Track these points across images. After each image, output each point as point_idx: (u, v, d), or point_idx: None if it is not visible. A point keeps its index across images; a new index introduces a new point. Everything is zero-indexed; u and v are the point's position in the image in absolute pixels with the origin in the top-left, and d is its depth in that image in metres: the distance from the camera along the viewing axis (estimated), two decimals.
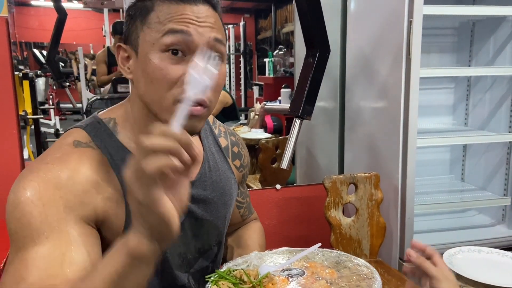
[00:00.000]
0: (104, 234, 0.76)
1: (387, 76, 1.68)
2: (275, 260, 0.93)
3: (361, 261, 0.94)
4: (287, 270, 0.87)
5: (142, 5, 0.76)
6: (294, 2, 1.05)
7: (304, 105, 1.02)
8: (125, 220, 0.77)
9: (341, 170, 2.16)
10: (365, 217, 1.64)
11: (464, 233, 1.75)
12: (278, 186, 1.97)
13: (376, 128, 1.79)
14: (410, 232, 1.62)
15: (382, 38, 1.71)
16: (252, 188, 2.54)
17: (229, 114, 3.84)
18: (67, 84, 3.41)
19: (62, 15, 2.98)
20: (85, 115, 1.04)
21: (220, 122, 1.04)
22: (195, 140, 0.92)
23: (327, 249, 0.98)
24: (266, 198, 1.98)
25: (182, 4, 0.74)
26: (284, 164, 1.05)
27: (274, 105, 2.73)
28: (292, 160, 2.67)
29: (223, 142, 1.00)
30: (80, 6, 7.13)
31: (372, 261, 1.62)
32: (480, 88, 1.99)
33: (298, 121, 1.03)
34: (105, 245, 0.76)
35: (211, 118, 1.01)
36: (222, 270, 0.87)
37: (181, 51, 0.73)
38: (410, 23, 1.50)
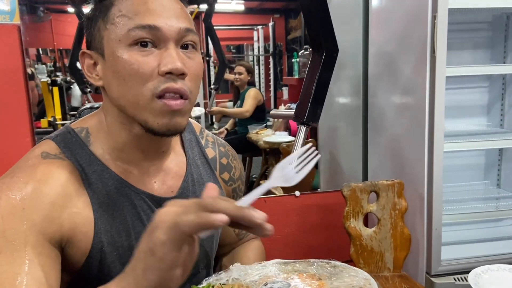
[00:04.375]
0: (69, 253, 0.70)
1: (411, 75, 1.56)
2: (262, 273, 0.85)
3: (360, 272, 0.85)
4: (270, 283, 0.79)
5: (100, 5, 0.71)
6: None
7: (309, 110, 0.93)
8: (92, 239, 0.71)
9: (365, 175, 2.04)
10: (388, 228, 1.52)
11: (498, 245, 1.61)
12: (297, 193, 1.88)
13: (400, 131, 1.68)
14: (438, 244, 1.50)
15: (405, 34, 1.59)
16: (273, 194, 2.47)
17: (257, 114, 3.78)
18: (88, 90, 3.44)
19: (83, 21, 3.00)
20: None
21: (209, 132, 0.96)
22: (177, 151, 0.85)
23: (323, 260, 0.89)
24: (285, 205, 1.90)
25: None
26: None
27: (280, 110, 2.65)
28: (316, 164, 2.57)
29: (210, 153, 0.91)
30: None
31: (396, 276, 1.51)
32: None
33: (303, 128, 0.94)
34: (69, 264, 0.70)
35: (198, 127, 0.93)
36: (201, 286, 0.80)
37: (151, 43, 0.68)
38: (434, 18, 1.38)
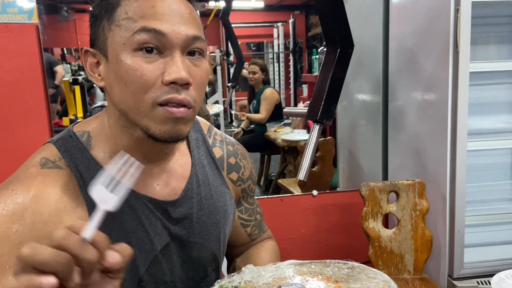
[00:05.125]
0: None
1: (433, 71, 1.51)
2: (275, 275, 0.82)
3: (379, 274, 0.81)
4: (284, 285, 0.76)
5: (106, 3, 0.68)
6: None
7: (323, 108, 0.90)
8: None
9: (385, 175, 1.99)
10: (408, 229, 1.48)
11: None
12: (315, 192, 1.85)
13: (422, 129, 1.62)
14: (460, 246, 1.44)
15: (427, 29, 1.54)
16: (291, 193, 2.44)
17: (275, 113, 3.76)
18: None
19: None
20: None
21: (218, 130, 0.93)
22: (182, 151, 0.83)
23: (340, 261, 0.85)
24: (302, 205, 1.87)
25: None
26: (301, 175, 0.93)
27: (293, 108, 2.60)
28: (334, 162, 2.54)
29: (217, 152, 0.88)
30: None
31: (416, 278, 1.46)
32: None
33: (317, 127, 0.91)
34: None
35: (206, 126, 0.90)
36: None
37: (156, 49, 0.65)
38: (457, 11, 1.33)
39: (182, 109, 0.66)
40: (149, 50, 0.65)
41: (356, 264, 0.81)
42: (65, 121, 3.85)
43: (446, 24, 1.38)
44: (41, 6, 1.76)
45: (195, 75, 0.67)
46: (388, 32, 1.85)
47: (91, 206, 0.68)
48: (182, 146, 0.83)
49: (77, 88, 3.92)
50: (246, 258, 0.97)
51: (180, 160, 0.81)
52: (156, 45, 0.65)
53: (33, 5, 1.63)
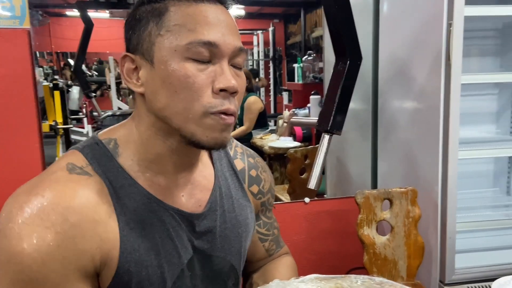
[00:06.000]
0: (95, 284, 0.67)
1: (425, 83, 1.56)
2: None
3: None
4: None
5: (151, 8, 0.68)
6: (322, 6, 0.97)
7: (333, 119, 0.92)
8: (118, 259, 0.67)
9: (374, 182, 2.03)
10: (401, 236, 1.51)
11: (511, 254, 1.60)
12: (306, 199, 1.87)
13: (412, 137, 1.67)
14: (452, 252, 1.49)
15: (418, 41, 1.59)
16: (281, 200, 2.45)
17: (259, 120, 3.77)
18: (93, 94, 3.41)
19: (88, 25, 2.99)
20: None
21: (238, 142, 0.94)
22: (205, 162, 0.83)
23: (367, 276, 0.85)
24: (294, 212, 1.89)
25: (201, 2, 0.68)
26: (312, 184, 0.95)
27: (302, 118, 2.63)
28: (323, 170, 2.57)
29: (239, 164, 0.88)
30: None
31: (409, 284, 1.50)
32: None
33: (327, 137, 0.93)
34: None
35: None
36: None
37: (206, 58, 0.67)
38: (449, 25, 1.38)
39: (231, 117, 0.68)
40: (200, 60, 0.66)
41: (384, 280, 0.80)
42: (45, 127, 3.77)
43: (439, 37, 1.42)
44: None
45: (238, 84, 0.69)
46: (378, 43, 1.90)
47: (120, 216, 0.68)
48: (205, 158, 0.83)
49: (56, 94, 3.84)
50: (264, 274, 0.96)
51: (204, 172, 0.81)
52: (207, 55, 0.66)
53: (25, 10, 1.60)
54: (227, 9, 0.72)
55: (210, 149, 0.70)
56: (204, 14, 0.67)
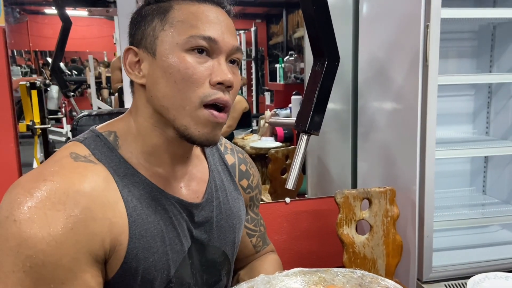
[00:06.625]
0: (106, 263, 0.68)
1: (403, 83, 1.58)
2: (287, 284, 0.82)
3: (390, 282, 0.83)
4: None
5: (156, 6, 0.73)
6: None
7: (311, 119, 0.93)
8: (127, 245, 0.68)
9: (354, 182, 2.05)
10: (380, 235, 1.53)
11: (486, 251, 1.63)
12: (287, 200, 1.88)
13: (391, 138, 1.69)
14: (429, 250, 1.51)
15: (396, 43, 1.61)
16: (262, 201, 2.45)
17: (243, 120, 3.76)
18: (72, 94, 3.36)
19: (66, 23, 2.94)
20: (71, 134, 0.97)
21: (226, 140, 0.97)
22: (199, 157, 0.86)
23: (348, 269, 0.86)
24: (275, 212, 1.89)
25: (204, 3, 0.72)
26: (290, 185, 0.95)
27: (280, 118, 2.64)
28: (303, 169, 2.58)
29: (229, 159, 0.92)
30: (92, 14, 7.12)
31: None
32: (502, 95, 1.87)
33: (305, 137, 0.94)
34: (104, 273, 0.68)
35: None
36: None
37: (205, 51, 0.71)
38: (427, 27, 1.40)
39: (222, 114, 0.71)
40: (200, 51, 0.70)
41: (365, 273, 0.82)
42: (21, 127, 3.69)
43: (416, 39, 1.44)
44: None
45: (234, 80, 0.72)
46: (358, 44, 1.92)
47: (127, 202, 0.69)
48: (198, 153, 0.86)
49: (34, 93, 3.77)
50: (250, 270, 0.98)
51: (199, 166, 0.84)
52: (207, 49, 0.70)
53: (0, 7, 1.57)
54: (228, 13, 0.76)
55: (201, 145, 0.72)
56: (206, 13, 0.71)
